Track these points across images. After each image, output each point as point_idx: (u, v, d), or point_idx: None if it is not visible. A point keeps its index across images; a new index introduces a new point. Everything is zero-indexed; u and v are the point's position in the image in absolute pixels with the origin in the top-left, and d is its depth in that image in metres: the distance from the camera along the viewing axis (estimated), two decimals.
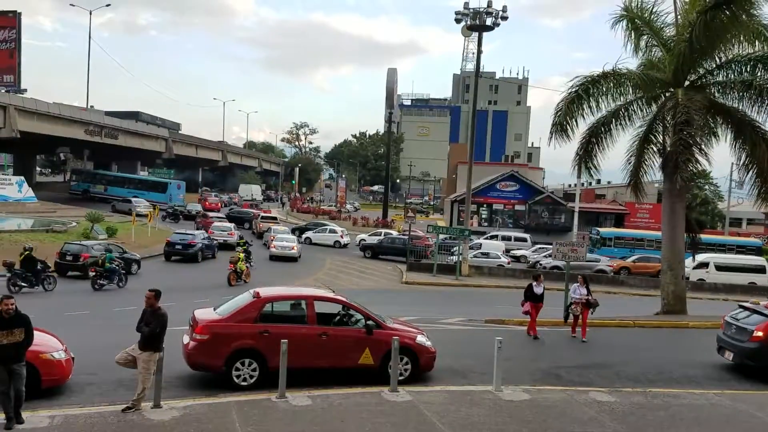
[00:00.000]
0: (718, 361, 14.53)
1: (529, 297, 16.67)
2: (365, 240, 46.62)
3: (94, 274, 24.14)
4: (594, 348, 15.87)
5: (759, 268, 37.87)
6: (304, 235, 47.11)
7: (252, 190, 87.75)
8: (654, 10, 21.51)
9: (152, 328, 9.22)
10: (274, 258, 36.38)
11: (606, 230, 51.87)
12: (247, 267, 28.18)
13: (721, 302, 29.48)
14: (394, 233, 50.34)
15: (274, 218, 53.16)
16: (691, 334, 18.98)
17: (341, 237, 47.85)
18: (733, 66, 20.70)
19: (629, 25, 21.61)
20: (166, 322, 9.40)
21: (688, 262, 39.14)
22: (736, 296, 30.59)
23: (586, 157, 21.64)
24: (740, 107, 20.71)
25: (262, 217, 52.29)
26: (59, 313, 18.04)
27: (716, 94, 21.19)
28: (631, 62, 22.07)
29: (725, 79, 20.94)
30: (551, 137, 21.22)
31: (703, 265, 36.65)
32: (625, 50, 21.91)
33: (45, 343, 10.05)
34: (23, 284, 21.99)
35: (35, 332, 8.79)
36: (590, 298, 16.63)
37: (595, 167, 22.01)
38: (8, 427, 8.21)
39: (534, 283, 16.81)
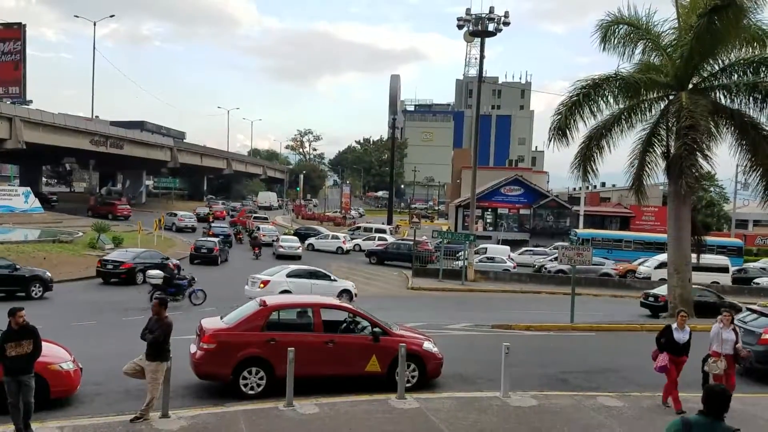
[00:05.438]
0: None
1: (666, 346, 10.77)
2: (360, 245, 48.65)
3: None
4: (602, 353, 15.80)
5: (722, 268, 37.58)
6: (306, 242, 47.76)
7: (270, 198, 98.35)
8: (651, 18, 21.37)
9: (156, 336, 9.22)
10: (281, 257, 39.26)
11: (582, 231, 51.55)
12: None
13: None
14: (390, 238, 50.52)
15: (265, 218, 64.63)
16: (698, 337, 18.86)
17: (343, 243, 48.79)
18: (736, 68, 20.69)
19: (618, 31, 21.42)
20: (170, 330, 9.38)
21: (650, 262, 39.04)
22: (743, 298, 30.44)
23: (586, 161, 21.60)
24: (743, 109, 20.70)
25: (255, 217, 62.86)
26: None
27: (720, 97, 21.17)
28: (629, 68, 21.97)
29: (729, 82, 20.91)
30: (550, 141, 21.32)
31: (664, 264, 36.31)
32: (620, 58, 21.72)
33: (53, 354, 10.08)
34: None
35: (43, 343, 8.82)
36: (740, 347, 11.16)
37: (594, 171, 21.90)
38: None
39: (674, 326, 10.90)
